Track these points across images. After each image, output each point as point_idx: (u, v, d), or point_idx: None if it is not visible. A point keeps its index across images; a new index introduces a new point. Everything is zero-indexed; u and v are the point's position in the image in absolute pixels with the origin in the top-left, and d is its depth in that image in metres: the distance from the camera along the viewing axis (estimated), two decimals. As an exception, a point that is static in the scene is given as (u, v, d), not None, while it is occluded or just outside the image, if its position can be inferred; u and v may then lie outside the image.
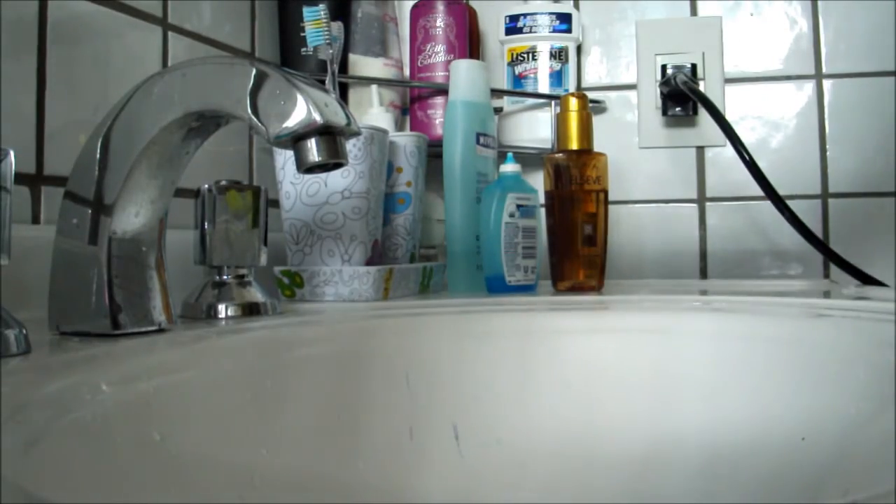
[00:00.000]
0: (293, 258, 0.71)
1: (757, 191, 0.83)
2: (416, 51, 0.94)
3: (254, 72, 0.42)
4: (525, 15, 0.97)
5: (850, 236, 0.94)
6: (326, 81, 0.67)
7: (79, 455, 0.31)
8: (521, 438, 0.52)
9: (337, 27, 0.68)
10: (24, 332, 0.38)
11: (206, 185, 0.56)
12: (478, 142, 0.78)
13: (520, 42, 0.97)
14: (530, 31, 0.97)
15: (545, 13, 0.97)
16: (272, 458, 0.43)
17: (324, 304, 0.66)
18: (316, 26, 0.66)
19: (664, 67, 0.96)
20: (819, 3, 0.96)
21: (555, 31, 0.97)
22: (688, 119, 0.97)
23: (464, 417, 0.52)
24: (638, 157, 0.99)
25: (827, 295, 0.68)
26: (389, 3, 0.96)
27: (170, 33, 0.72)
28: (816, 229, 0.89)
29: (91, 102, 0.62)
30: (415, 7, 0.94)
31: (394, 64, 0.93)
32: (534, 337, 0.57)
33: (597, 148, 0.76)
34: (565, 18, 0.97)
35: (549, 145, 0.95)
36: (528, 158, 0.94)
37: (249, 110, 0.42)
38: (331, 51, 0.66)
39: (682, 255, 0.98)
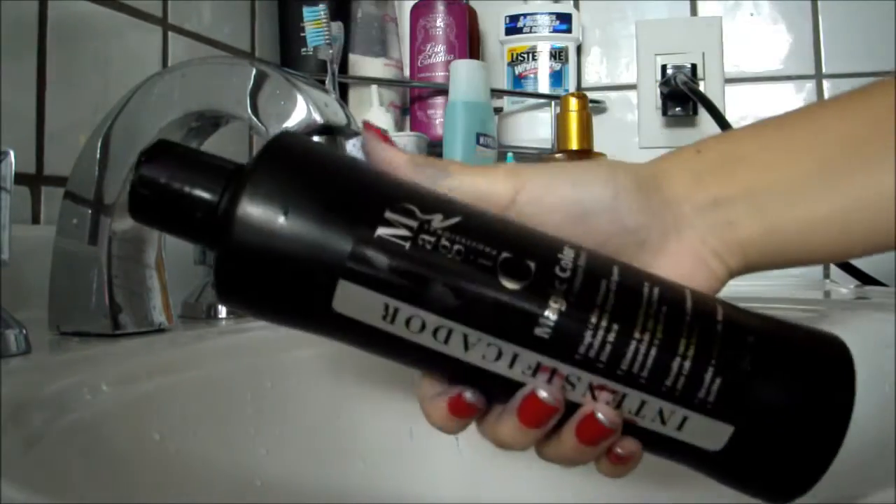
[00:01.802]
0: (293, 258, 0.71)
1: (757, 191, 0.83)
2: (416, 51, 0.94)
3: (254, 72, 0.42)
4: (525, 15, 0.97)
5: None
6: (326, 81, 0.67)
7: (79, 455, 0.31)
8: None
9: (337, 27, 0.68)
10: (24, 332, 0.38)
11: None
12: (478, 142, 0.78)
13: (520, 42, 0.97)
14: (530, 32, 0.97)
15: (545, 13, 0.97)
16: (272, 458, 0.43)
17: (324, 304, 0.66)
18: (316, 26, 0.66)
19: (664, 67, 0.96)
20: (819, 3, 0.96)
21: (555, 31, 0.97)
22: (688, 119, 0.97)
23: (464, 417, 0.52)
24: (638, 157, 0.98)
25: (827, 295, 0.68)
26: (389, 3, 0.96)
27: (170, 33, 0.72)
28: (816, 229, 0.89)
29: (91, 102, 0.62)
30: (415, 7, 0.94)
31: (394, 64, 0.93)
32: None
33: (597, 148, 0.76)
34: (565, 18, 0.97)
35: (549, 145, 0.95)
36: (528, 158, 0.94)
37: (249, 110, 0.42)
38: (331, 51, 0.66)
39: (682, 255, 0.98)
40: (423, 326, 0.25)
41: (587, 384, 0.25)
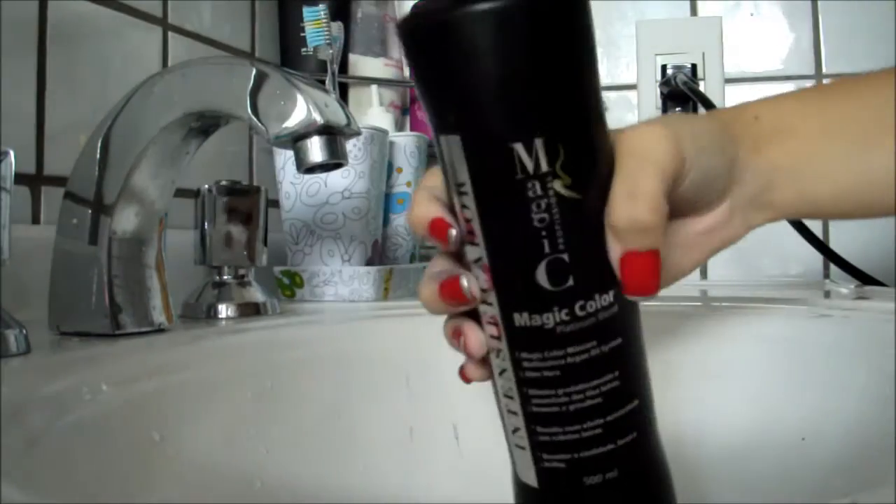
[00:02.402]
0: (293, 258, 0.71)
1: (757, 191, 0.83)
2: (416, 51, 0.94)
3: (254, 72, 0.42)
4: (525, 15, 0.97)
5: (850, 236, 0.94)
6: (326, 81, 0.67)
7: (79, 455, 0.31)
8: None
9: (337, 27, 0.68)
10: (24, 332, 0.38)
11: (206, 185, 0.56)
12: (478, 142, 0.78)
13: (520, 42, 0.97)
14: (530, 31, 0.97)
15: (545, 13, 0.97)
16: (272, 457, 0.43)
17: (324, 304, 0.66)
18: (316, 26, 0.66)
19: (664, 67, 0.96)
20: (819, 3, 0.96)
21: (555, 31, 0.97)
22: (688, 119, 0.97)
23: (464, 417, 0.52)
24: (638, 157, 0.99)
25: (827, 295, 0.68)
26: (389, 3, 0.96)
27: (170, 33, 0.72)
28: (816, 229, 0.89)
29: (91, 102, 0.62)
30: (415, 7, 0.94)
31: (394, 64, 0.93)
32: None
33: (597, 148, 0.75)
34: (565, 18, 0.97)
35: (549, 145, 0.95)
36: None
37: (249, 110, 0.42)
38: (331, 51, 0.66)
39: (682, 255, 0.98)
40: (468, 220, 0.26)
41: (509, 376, 0.27)
